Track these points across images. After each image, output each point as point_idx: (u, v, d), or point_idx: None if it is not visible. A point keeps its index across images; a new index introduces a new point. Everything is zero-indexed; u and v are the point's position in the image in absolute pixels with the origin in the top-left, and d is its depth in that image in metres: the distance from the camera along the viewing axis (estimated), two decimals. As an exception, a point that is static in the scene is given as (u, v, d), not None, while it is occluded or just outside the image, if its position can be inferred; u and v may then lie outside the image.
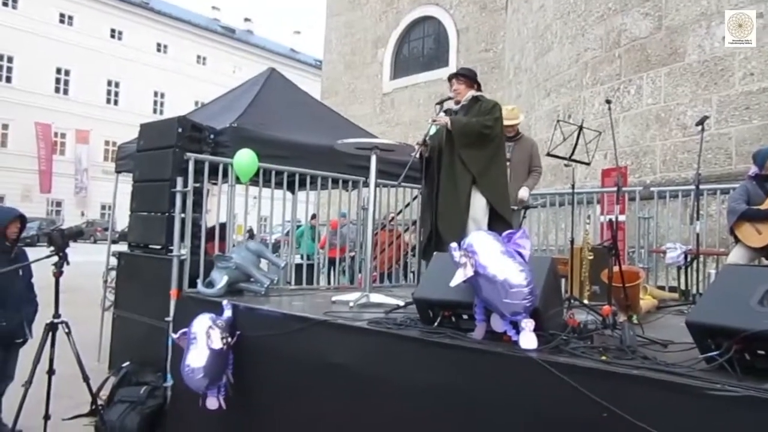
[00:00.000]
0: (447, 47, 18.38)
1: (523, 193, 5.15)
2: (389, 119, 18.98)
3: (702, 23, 7.59)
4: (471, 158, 3.99)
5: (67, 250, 3.43)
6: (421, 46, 19.60)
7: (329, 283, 5.64)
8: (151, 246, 4.89)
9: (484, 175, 4.01)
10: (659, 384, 1.94)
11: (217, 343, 3.18)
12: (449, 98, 4.18)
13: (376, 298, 3.83)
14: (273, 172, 4.82)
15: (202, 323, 3.26)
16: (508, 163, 4.92)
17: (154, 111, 39.28)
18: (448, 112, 4.22)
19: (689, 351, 2.19)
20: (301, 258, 7.11)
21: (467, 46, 17.70)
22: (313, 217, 8.34)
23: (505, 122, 4.64)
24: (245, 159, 4.41)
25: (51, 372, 3.32)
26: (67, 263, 3.36)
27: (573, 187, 3.93)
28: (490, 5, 17.06)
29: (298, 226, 9.13)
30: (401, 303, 3.53)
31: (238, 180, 4.63)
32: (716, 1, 7.47)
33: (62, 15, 36.62)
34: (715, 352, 1.97)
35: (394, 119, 18.69)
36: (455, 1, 18.13)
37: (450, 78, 4.24)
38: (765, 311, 1.89)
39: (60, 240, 3.32)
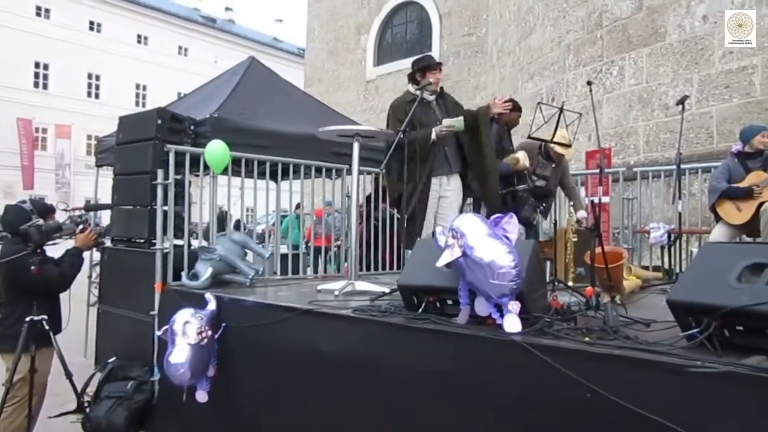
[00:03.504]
0: (430, 32, 18.31)
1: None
2: (374, 106, 18.89)
3: (682, 3, 7.62)
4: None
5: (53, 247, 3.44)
6: (404, 31, 19.51)
7: (316, 272, 5.61)
8: (134, 240, 4.84)
9: None
10: (641, 363, 1.95)
11: (193, 338, 3.17)
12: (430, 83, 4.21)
13: (361, 285, 3.83)
14: (255, 162, 4.79)
15: (180, 318, 3.25)
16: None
17: (137, 103, 38.80)
18: (423, 101, 4.25)
19: (671, 329, 2.21)
20: (288, 248, 7.09)
21: (450, 31, 17.64)
22: (297, 206, 8.31)
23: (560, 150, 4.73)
24: (216, 150, 4.37)
25: (33, 370, 3.30)
26: (51, 261, 3.35)
27: (554, 169, 3.93)
28: (472, -11, 16.99)
29: (285, 216, 9.10)
30: (386, 290, 3.53)
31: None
32: (696, -19, 7.49)
33: (38, 8, 35.94)
34: (695, 330, 1.98)
35: (379, 106, 18.58)
36: (437, -15, 18.03)
37: (438, 67, 4.31)
38: (742, 287, 1.91)
39: (37, 236, 3.28)
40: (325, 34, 21.81)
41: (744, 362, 1.78)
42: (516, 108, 4.90)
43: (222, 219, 6.35)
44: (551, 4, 9.73)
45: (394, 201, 4.41)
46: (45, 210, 3.49)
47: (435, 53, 17.45)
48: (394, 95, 4.51)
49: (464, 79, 16.95)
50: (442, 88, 4.43)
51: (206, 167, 4.53)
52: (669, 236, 4.95)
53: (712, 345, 1.91)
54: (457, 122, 4.20)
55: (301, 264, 5.30)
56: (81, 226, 3.57)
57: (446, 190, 4.34)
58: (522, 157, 4.52)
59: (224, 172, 4.57)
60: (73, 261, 3.45)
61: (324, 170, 5.34)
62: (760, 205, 4.39)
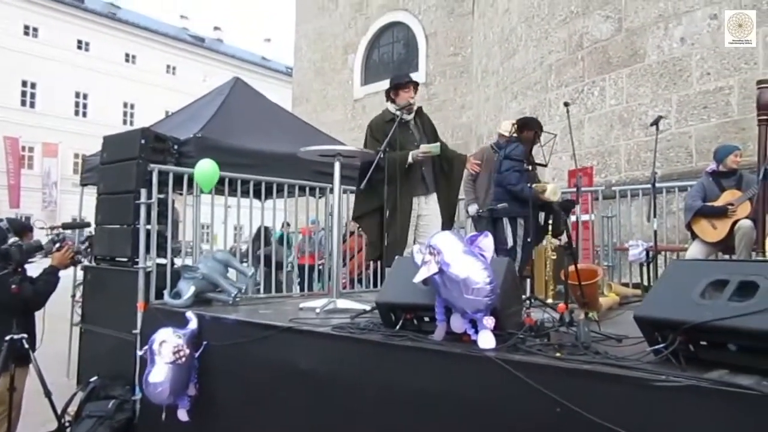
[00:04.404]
0: (416, 52, 18.50)
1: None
2: (361, 125, 18.90)
3: (660, 25, 7.79)
4: None
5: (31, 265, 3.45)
6: (391, 51, 19.70)
7: (302, 290, 5.63)
8: (117, 258, 4.85)
9: None
10: (609, 377, 1.99)
11: (168, 357, 3.18)
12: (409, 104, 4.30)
13: (342, 303, 3.86)
14: (239, 181, 4.83)
15: (158, 337, 3.26)
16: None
17: (124, 122, 38.79)
18: (402, 121, 4.32)
19: (642, 344, 2.26)
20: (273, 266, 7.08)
21: (436, 51, 17.83)
22: (283, 225, 8.35)
23: (506, 134, 5.35)
24: (206, 169, 4.41)
25: (12, 389, 3.29)
26: (27, 279, 3.35)
27: (530, 188, 4.01)
28: (458, 10, 17.21)
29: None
30: (367, 308, 3.56)
31: (201, 190, 4.63)
32: (673, 4, 7.68)
33: (27, 27, 35.98)
34: (661, 345, 2.03)
35: (366, 125, 18.69)
36: (423, 6, 18.25)
37: (416, 85, 4.39)
38: (706, 303, 1.96)
39: (18, 255, 3.29)
40: (312, 53, 21.98)
41: (706, 376, 1.83)
42: (537, 126, 5.01)
43: (262, 235, 6.39)
44: (534, 26, 9.91)
45: (359, 217, 4.48)
46: (22, 229, 3.51)
47: (421, 73, 17.66)
48: (382, 114, 4.59)
49: (450, 99, 17.12)
50: (420, 108, 4.49)
51: (189, 186, 4.57)
52: (647, 254, 5.03)
53: (677, 359, 1.96)
54: (434, 147, 4.29)
55: (285, 282, 5.32)
56: (58, 245, 3.57)
57: (423, 209, 4.41)
58: (550, 191, 4.52)
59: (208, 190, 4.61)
60: (48, 279, 3.46)
61: (307, 189, 5.39)
62: (735, 222, 4.48)
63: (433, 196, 4.46)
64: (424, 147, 4.30)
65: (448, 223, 4.52)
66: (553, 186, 4.52)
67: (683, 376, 1.85)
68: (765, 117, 3.44)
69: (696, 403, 1.79)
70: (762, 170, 3.41)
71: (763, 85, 3.49)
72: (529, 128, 4.86)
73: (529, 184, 4.20)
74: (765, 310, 1.78)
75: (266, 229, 6.47)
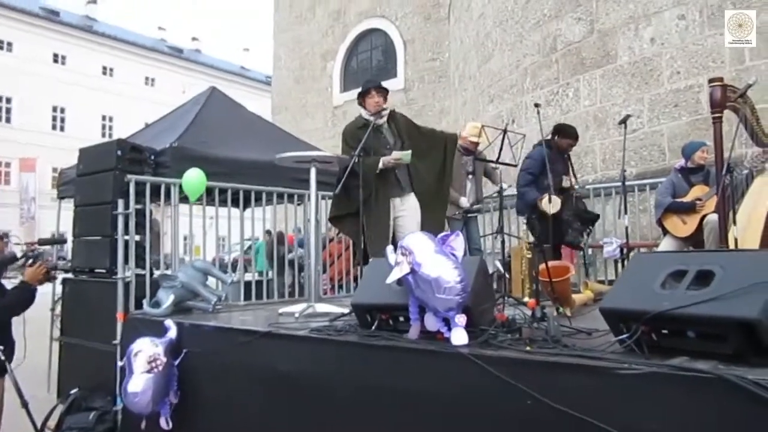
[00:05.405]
0: (395, 58, 18.64)
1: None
2: (341, 132, 19.04)
3: (630, 26, 7.93)
4: None
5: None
6: (369, 58, 19.82)
7: (282, 296, 5.64)
8: (96, 270, 4.85)
9: None
10: (575, 368, 2.06)
11: (143, 366, 3.19)
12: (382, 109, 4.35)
13: (321, 307, 3.89)
14: (217, 190, 4.85)
15: (135, 347, 3.28)
16: (471, 176, 5.75)
17: (103, 135, 38.38)
18: (374, 126, 4.35)
19: (609, 336, 2.32)
20: (260, 275, 7.09)
21: (414, 57, 17.98)
22: (269, 233, 8.35)
23: (471, 139, 5.45)
24: (193, 178, 4.43)
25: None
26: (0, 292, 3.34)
27: (501, 190, 4.07)
28: (434, 15, 17.38)
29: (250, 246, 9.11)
30: (345, 311, 3.60)
31: (183, 200, 4.65)
32: (643, 6, 7.82)
33: (1, 41, 35.59)
34: (625, 335, 2.10)
35: (346, 132, 18.73)
36: (400, 12, 18.40)
37: (384, 90, 4.43)
38: (665, 294, 2.03)
39: (-9, 267, 3.30)
40: (291, 62, 22.02)
41: (667, 363, 1.90)
42: (571, 136, 5.08)
43: (281, 240, 6.43)
44: (508, 30, 10.03)
45: (334, 218, 4.54)
46: None
47: (400, 79, 17.79)
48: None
49: (429, 104, 17.26)
50: (393, 111, 4.51)
51: (167, 197, 4.58)
52: (622, 250, 5.13)
53: (640, 348, 2.03)
54: (405, 155, 4.25)
55: (265, 289, 5.34)
56: (30, 260, 3.52)
57: (401, 210, 4.38)
58: (544, 203, 4.45)
59: (185, 200, 4.63)
60: (17, 294, 3.39)
61: (286, 196, 5.41)
62: (704, 217, 4.59)
63: (410, 196, 4.42)
64: (396, 154, 4.27)
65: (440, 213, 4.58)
66: (554, 199, 4.47)
67: (645, 363, 1.92)
68: (718, 115, 3.53)
69: (658, 388, 1.86)
70: (726, 166, 3.50)
71: (714, 84, 3.57)
72: (563, 136, 4.92)
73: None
74: (719, 297, 1.85)
75: (281, 234, 6.54)
